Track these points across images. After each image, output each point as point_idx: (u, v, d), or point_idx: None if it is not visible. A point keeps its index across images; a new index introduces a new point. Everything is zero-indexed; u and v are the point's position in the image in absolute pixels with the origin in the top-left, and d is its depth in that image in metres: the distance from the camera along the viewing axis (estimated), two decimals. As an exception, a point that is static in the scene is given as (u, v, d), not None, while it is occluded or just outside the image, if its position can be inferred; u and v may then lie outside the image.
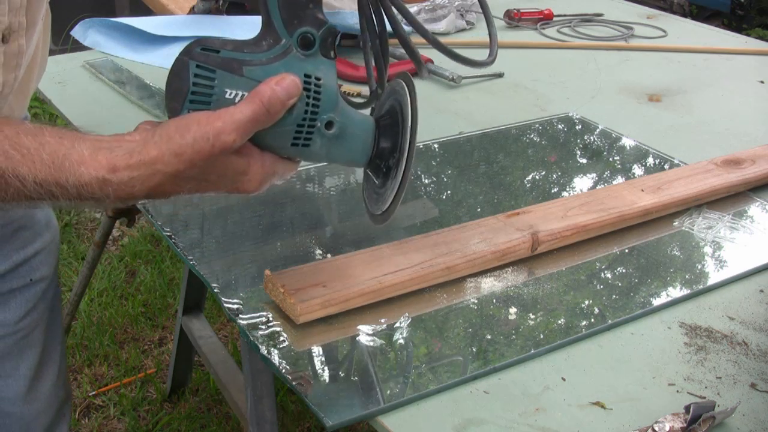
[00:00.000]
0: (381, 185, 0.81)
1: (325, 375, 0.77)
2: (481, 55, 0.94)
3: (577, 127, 1.38)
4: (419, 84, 0.84)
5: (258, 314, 0.84)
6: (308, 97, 0.72)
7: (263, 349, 0.79)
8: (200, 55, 0.71)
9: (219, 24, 1.65)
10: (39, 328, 1.04)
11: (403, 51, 1.62)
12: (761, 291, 0.95)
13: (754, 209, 1.12)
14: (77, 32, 1.61)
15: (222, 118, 0.67)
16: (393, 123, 0.80)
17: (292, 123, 0.72)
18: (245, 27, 1.65)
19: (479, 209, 1.10)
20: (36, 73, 0.91)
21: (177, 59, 0.72)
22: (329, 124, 0.74)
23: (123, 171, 0.67)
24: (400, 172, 0.78)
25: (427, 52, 1.59)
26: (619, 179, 1.20)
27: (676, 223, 1.07)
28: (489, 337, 0.84)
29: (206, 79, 0.70)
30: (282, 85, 0.69)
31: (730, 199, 1.13)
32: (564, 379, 0.79)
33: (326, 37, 0.74)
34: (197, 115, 0.68)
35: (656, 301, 0.91)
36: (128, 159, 0.67)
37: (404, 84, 0.82)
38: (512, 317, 0.87)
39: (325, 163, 1.18)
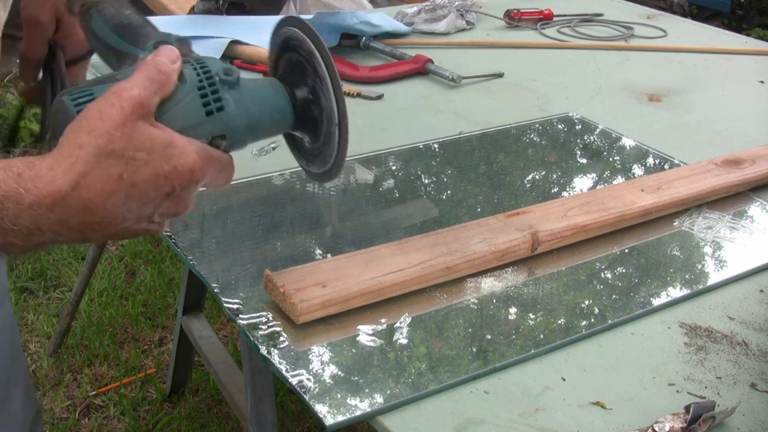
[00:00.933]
0: (314, 140, 0.78)
1: (325, 375, 0.77)
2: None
3: (577, 127, 1.38)
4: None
5: (258, 314, 0.84)
6: (191, 62, 0.70)
7: (263, 349, 0.79)
8: (73, 89, 0.67)
9: (219, 24, 1.65)
10: (0, 350, 1.00)
11: (403, 51, 1.62)
12: (761, 291, 0.95)
13: (754, 209, 1.12)
14: (77, 32, 1.61)
15: (117, 85, 0.63)
16: (299, 67, 0.76)
17: (191, 89, 0.68)
18: (245, 27, 1.65)
19: (479, 209, 1.10)
20: None
21: (54, 104, 0.67)
22: (228, 71, 0.70)
23: (39, 164, 0.60)
24: (333, 114, 0.74)
25: (427, 52, 1.60)
26: (619, 179, 1.20)
27: (676, 223, 1.07)
28: (489, 337, 0.84)
29: (86, 96, 0.66)
30: (159, 54, 0.67)
31: (730, 199, 1.13)
32: (564, 379, 0.79)
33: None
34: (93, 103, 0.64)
35: (656, 301, 0.91)
36: (42, 159, 0.61)
37: (294, 26, 0.77)
38: (512, 317, 0.87)
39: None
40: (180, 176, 0.64)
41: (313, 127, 0.76)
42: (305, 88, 0.76)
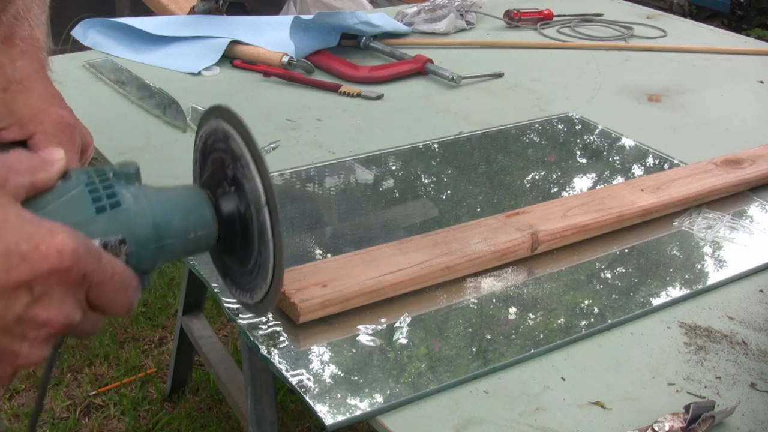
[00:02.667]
0: (242, 264, 0.66)
1: (325, 375, 0.77)
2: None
3: (576, 127, 1.38)
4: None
5: (258, 314, 0.84)
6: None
7: (263, 349, 0.79)
8: None
9: (219, 24, 1.65)
10: None
11: (403, 51, 1.62)
12: (761, 291, 0.95)
13: (754, 209, 1.12)
14: (77, 32, 1.62)
15: None
16: (218, 163, 0.64)
17: (77, 183, 0.56)
18: (245, 27, 1.66)
19: (479, 209, 1.10)
20: None
21: None
22: (124, 164, 0.58)
23: None
24: (269, 250, 0.61)
25: (427, 52, 1.60)
26: (619, 179, 1.20)
27: (675, 223, 1.07)
28: (489, 336, 0.84)
29: None
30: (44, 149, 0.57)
31: (730, 199, 1.13)
32: (564, 379, 0.79)
33: None
34: None
35: (656, 301, 0.91)
36: None
37: (213, 118, 0.65)
38: (512, 317, 0.87)
39: (323, 163, 1.18)
40: (43, 259, 0.49)
41: (244, 231, 0.63)
42: (225, 182, 0.63)
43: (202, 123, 0.67)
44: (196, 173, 0.68)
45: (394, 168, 1.20)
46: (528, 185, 1.18)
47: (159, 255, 0.59)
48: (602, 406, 0.75)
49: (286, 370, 0.77)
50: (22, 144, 0.74)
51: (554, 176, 1.20)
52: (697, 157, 1.23)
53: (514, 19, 1.91)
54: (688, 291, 0.93)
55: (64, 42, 2.93)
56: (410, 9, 1.85)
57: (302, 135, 1.29)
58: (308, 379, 0.76)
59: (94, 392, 2.00)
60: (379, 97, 1.45)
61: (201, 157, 0.67)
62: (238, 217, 0.62)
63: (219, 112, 0.64)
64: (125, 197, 0.56)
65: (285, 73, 1.50)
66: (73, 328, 0.53)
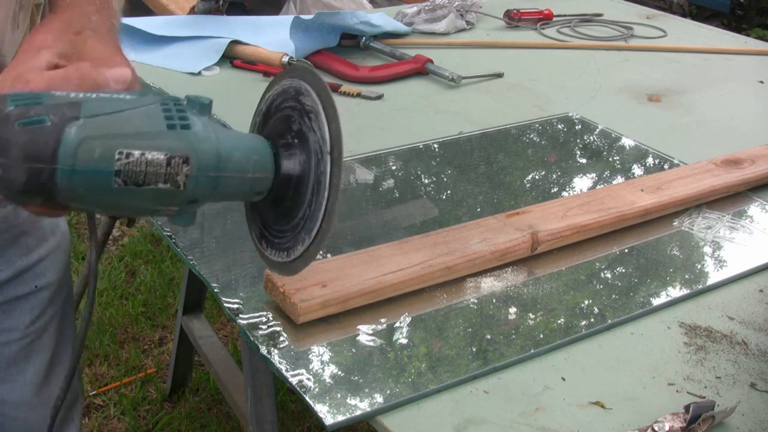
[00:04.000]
0: (286, 221, 0.66)
1: (325, 375, 0.77)
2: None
3: (576, 127, 1.38)
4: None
5: (258, 314, 0.84)
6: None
7: (263, 349, 0.79)
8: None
9: (219, 24, 1.65)
10: (47, 333, 1.03)
11: (403, 51, 1.62)
12: (761, 291, 0.95)
13: (754, 209, 1.12)
14: (77, 32, 1.61)
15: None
16: (284, 120, 0.65)
17: (153, 100, 0.58)
18: (245, 27, 1.66)
19: (479, 209, 1.10)
20: None
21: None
22: (198, 96, 0.61)
23: None
24: (322, 199, 0.61)
25: (427, 52, 1.60)
26: (619, 179, 1.20)
27: (675, 223, 1.07)
28: (489, 336, 0.84)
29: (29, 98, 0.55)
30: (111, 69, 0.63)
31: (730, 199, 1.13)
32: (564, 379, 0.79)
33: None
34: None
35: (656, 301, 0.91)
36: None
37: (303, 78, 0.65)
38: (512, 317, 0.87)
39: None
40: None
41: (298, 183, 0.63)
42: (289, 135, 0.64)
43: (272, 84, 0.67)
44: (256, 130, 0.68)
45: (394, 168, 1.20)
46: (528, 185, 1.18)
47: (214, 186, 0.59)
48: (602, 406, 0.75)
49: (286, 370, 0.77)
50: None
51: (554, 176, 1.20)
52: (697, 157, 1.23)
53: (514, 19, 1.91)
54: (688, 291, 0.93)
55: (64, 42, 2.93)
56: (410, 9, 1.85)
57: (302, 135, 1.29)
58: (308, 379, 0.76)
59: (94, 392, 2.00)
60: (379, 97, 1.45)
61: (262, 120, 0.68)
62: (298, 168, 0.62)
63: (295, 71, 0.64)
64: (195, 123, 0.57)
65: (285, 73, 1.50)
66: None
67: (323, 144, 0.61)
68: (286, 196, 0.64)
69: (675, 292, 0.93)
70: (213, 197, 0.61)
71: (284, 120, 0.65)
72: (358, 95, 1.45)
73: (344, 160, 0.64)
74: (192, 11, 1.74)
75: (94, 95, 0.55)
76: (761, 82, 1.63)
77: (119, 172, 0.53)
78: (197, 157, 0.57)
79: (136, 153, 0.53)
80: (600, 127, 1.37)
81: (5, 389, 1.01)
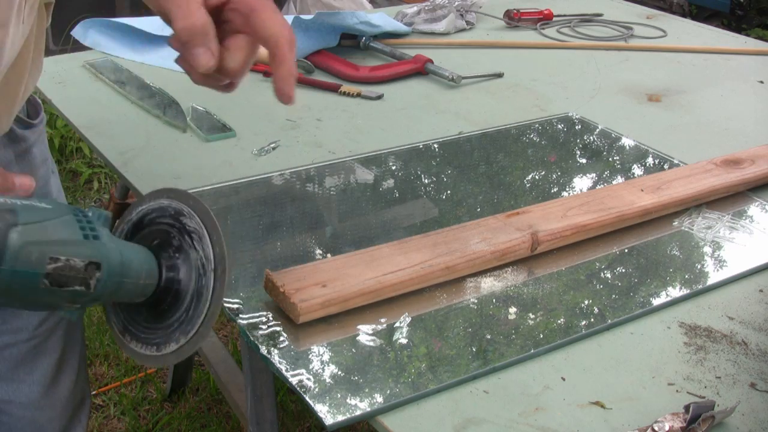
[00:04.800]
0: (159, 321, 0.72)
1: (325, 375, 0.77)
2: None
3: (576, 127, 1.38)
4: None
5: (258, 314, 0.84)
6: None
7: (263, 349, 0.79)
8: None
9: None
10: (55, 335, 1.03)
11: (403, 51, 1.62)
12: (761, 291, 0.95)
13: (754, 209, 1.12)
14: (77, 32, 1.61)
15: None
16: (158, 234, 0.72)
17: (67, 211, 0.65)
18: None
19: (479, 209, 1.10)
20: (26, 79, 0.90)
21: None
22: (100, 211, 0.68)
23: None
24: (203, 308, 0.68)
25: (427, 52, 1.60)
26: (619, 179, 1.20)
27: (675, 223, 1.07)
28: (489, 336, 0.84)
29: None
30: (18, 176, 0.67)
31: (730, 199, 1.13)
32: (564, 379, 0.79)
33: None
34: None
35: (656, 301, 0.91)
36: None
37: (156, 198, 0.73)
38: (512, 317, 0.87)
39: (323, 163, 1.19)
40: None
41: (176, 294, 0.71)
42: (168, 250, 0.71)
43: (146, 199, 0.74)
44: (123, 237, 0.75)
45: (394, 168, 1.20)
46: (528, 185, 1.18)
47: (116, 289, 0.67)
48: (602, 406, 0.75)
49: (286, 370, 0.77)
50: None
51: (554, 176, 1.20)
52: (697, 157, 1.23)
53: (514, 19, 1.91)
54: (688, 291, 0.93)
55: (64, 42, 2.94)
56: (410, 9, 1.85)
57: (302, 135, 1.29)
58: (308, 379, 0.76)
59: (94, 392, 2.00)
60: (379, 97, 1.45)
61: (132, 228, 0.75)
62: (179, 278, 0.70)
63: (173, 193, 0.72)
64: (102, 234, 0.66)
65: (285, 73, 1.50)
66: None
67: (206, 262, 0.69)
68: (164, 300, 0.71)
69: (675, 292, 0.93)
70: (111, 298, 0.69)
71: (161, 234, 0.72)
72: (358, 95, 1.45)
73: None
74: (192, 11, 1.74)
75: (19, 202, 0.61)
76: (761, 82, 1.63)
77: (48, 274, 0.60)
78: (107, 263, 0.65)
79: (62, 258, 0.61)
80: (600, 127, 1.37)
81: (13, 389, 1.01)
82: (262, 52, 1.35)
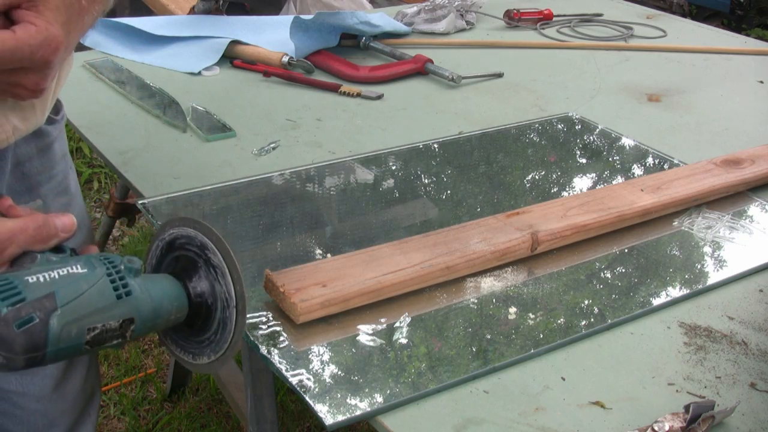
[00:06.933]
0: (194, 336, 0.78)
1: (325, 374, 0.77)
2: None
3: (576, 127, 1.38)
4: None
5: (258, 314, 0.84)
6: (95, 256, 0.73)
7: (263, 349, 0.79)
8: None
9: (219, 24, 1.65)
10: None
11: (403, 51, 1.62)
12: (761, 291, 0.95)
13: (754, 209, 1.12)
14: (77, 32, 1.61)
15: None
16: (188, 261, 0.77)
17: (101, 275, 0.70)
18: (245, 27, 1.65)
19: (479, 209, 1.10)
20: (61, 72, 0.89)
21: None
22: (130, 260, 0.73)
23: None
24: (228, 336, 0.74)
25: (427, 52, 1.60)
26: (619, 179, 1.20)
27: (675, 223, 1.07)
28: (489, 336, 0.84)
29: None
30: (60, 217, 0.71)
31: (730, 199, 1.13)
32: (564, 379, 0.79)
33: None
34: None
35: (656, 301, 0.91)
36: None
37: (182, 225, 0.78)
38: (512, 317, 0.87)
39: (323, 163, 1.19)
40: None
41: (207, 315, 0.76)
42: (197, 277, 0.77)
43: (174, 224, 0.78)
44: (154, 256, 0.81)
45: (394, 168, 1.20)
46: (528, 185, 1.18)
47: (149, 330, 0.73)
48: (602, 406, 0.75)
49: (286, 370, 0.77)
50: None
51: (554, 176, 1.20)
52: (697, 157, 1.23)
53: (514, 19, 1.91)
54: (688, 291, 0.93)
55: (64, 42, 2.93)
56: (410, 9, 1.85)
57: (302, 135, 1.29)
58: (308, 378, 0.76)
59: (94, 392, 2.00)
60: (379, 97, 1.45)
61: (166, 248, 0.80)
62: (205, 306, 0.75)
63: (198, 225, 0.76)
64: (134, 287, 0.71)
65: (285, 73, 1.50)
66: None
67: (229, 298, 0.74)
68: (195, 322, 0.77)
69: (675, 292, 0.93)
70: (146, 335, 0.77)
71: (189, 261, 0.77)
72: (358, 95, 1.45)
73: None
74: (192, 11, 1.74)
75: (57, 275, 0.68)
76: (761, 82, 1.63)
77: (88, 342, 0.67)
78: (140, 316, 0.71)
79: (99, 326, 0.68)
80: (600, 127, 1.37)
81: (25, 382, 1.01)
82: (263, 52, 1.34)
